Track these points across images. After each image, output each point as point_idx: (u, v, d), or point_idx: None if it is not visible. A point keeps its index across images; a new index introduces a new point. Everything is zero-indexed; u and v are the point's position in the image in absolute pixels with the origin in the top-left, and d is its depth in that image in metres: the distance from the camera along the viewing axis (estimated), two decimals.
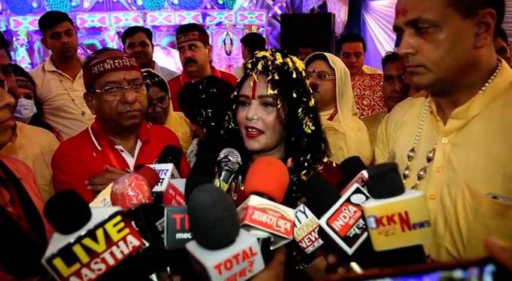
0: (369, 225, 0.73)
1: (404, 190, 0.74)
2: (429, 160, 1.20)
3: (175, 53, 7.67)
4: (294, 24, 7.13)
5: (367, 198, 0.79)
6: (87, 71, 1.63)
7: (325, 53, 2.27)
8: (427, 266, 0.41)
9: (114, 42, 7.92)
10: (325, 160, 1.36)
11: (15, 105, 1.18)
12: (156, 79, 2.36)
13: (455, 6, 1.05)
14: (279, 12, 8.54)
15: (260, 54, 1.32)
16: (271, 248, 0.78)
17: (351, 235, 0.76)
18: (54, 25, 2.98)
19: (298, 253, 0.93)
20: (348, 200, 0.79)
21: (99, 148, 1.67)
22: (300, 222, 0.88)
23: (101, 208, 0.85)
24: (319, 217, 0.87)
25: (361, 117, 2.72)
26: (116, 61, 1.58)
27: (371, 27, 7.86)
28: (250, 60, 1.33)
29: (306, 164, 1.30)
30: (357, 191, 0.80)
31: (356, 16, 8.09)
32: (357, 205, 0.78)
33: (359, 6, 8.04)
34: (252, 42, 4.62)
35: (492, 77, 1.14)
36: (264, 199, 0.76)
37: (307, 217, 0.88)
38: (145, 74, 2.33)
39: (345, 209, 0.78)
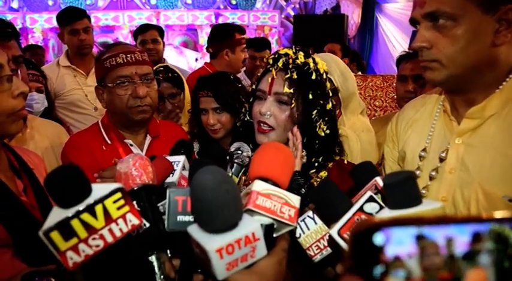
0: None
1: (421, 200, 0.71)
2: (441, 160, 1.17)
3: (188, 52, 7.73)
4: (306, 26, 7.11)
5: (381, 207, 0.76)
6: (99, 65, 1.64)
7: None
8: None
9: (127, 41, 7.99)
10: (337, 158, 1.34)
11: (26, 95, 1.19)
12: (170, 75, 2.32)
13: (476, 0, 1.01)
14: (292, 13, 8.54)
15: (283, 51, 1.31)
16: (275, 235, 0.76)
17: None
18: (73, 22, 3.00)
19: (304, 263, 0.91)
20: (360, 209, 0.77)
21: (109, 142, 1.67)
22: (309, 228, 0.85)
23: (101, 184, 0.84)
24: (328, 224, 0.84)
25: (373, 118, 2.69)
26: (128, 55, 1.59)
27: (384, 29, 7.81)
28: (272, 56, 1.32)
29: (316, 164, 1.28)
30: (370, 199, 0.77)
31: (369, 18, 8.05)
32: (370, 215, 0.76)
33: (372, 9, 8.00)
34: (255, 45, 3.86)
35: (511, 76, 1.10)
36: (268, 185, 0.74)
37: (316, 223, 0.85)
38: (161, 68, 2.32)
39: (357, 219, 0.76)
